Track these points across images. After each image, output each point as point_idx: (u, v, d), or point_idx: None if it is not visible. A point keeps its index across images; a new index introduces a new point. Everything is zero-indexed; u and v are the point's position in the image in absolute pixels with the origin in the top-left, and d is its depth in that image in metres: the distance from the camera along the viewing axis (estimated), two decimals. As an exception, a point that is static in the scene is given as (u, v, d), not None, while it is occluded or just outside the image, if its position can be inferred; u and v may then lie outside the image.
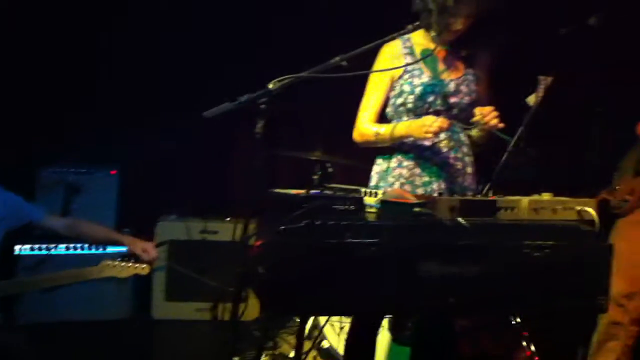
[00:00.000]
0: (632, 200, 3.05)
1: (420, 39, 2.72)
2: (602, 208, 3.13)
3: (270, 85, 2.09)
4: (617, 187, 3.15)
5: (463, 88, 2.71)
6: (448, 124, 2.57)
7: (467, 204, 2.06)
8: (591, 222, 2.15)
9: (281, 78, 2.11)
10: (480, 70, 2.77)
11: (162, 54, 4.37)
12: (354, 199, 2.05)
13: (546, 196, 2.21)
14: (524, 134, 2.69)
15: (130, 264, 2.98)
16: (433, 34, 2.65)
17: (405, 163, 2.70)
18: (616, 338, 3.06)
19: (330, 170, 3.69)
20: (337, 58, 2.21)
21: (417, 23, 2.60)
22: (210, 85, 4.25)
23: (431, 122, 2.53)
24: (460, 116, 2.71)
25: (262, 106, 2.08)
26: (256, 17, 4.40)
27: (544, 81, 2.75)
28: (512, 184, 2.64)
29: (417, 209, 2.04)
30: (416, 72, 2.67)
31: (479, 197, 2.19)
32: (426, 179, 2.68)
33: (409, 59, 2.70)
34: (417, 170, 2.68)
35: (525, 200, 2.13)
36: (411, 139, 2.65)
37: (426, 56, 2.65)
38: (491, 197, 2.19)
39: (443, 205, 2.01)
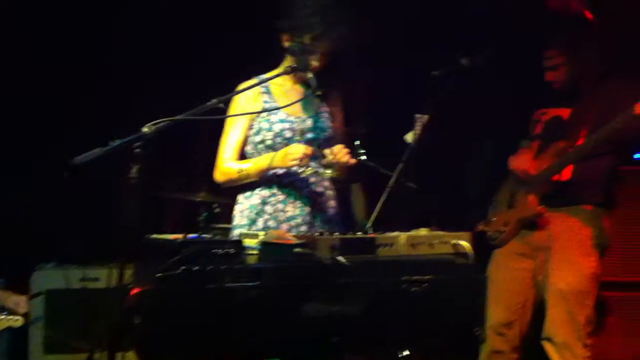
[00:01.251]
0: (507, 231, 3.19)
1: (274, 76, 2.74)
2: (479, 240, 3.28)
3: (145, 129, 2.04)
4: (492, 219, 3.28)
5: (319, 124, 2.77)
6: (312, 150, 2.62)
7: (347, 242, 2.08)
8: (465, 254, 2.22)
9: (156, 121, 2.06)
10: (334, 107, 2.84)
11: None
12: (233, 242, 2.03)
13: (423, 231, 2.28)
14: (404, 170, 2.78)
15: (2, 317, 2.81)
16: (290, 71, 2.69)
17: (269, 199, 2.71)
18: (498, 366, 3.16)
19: (217, 210, 3.64)
20: (214, 100, 2.19)
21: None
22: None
23: (295, 150, 2.58)
24: (318, 153, 2.77)
25: (137, 150, 2.03)
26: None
27: (421, 119, 2.86)
28: (396, 219, 2.70)
29: (297, 250, 2.04)
30: (274, 110, 2.71)
31: (359, 234, 2.22)
32: (290, 213, 2.70)
33: (266, 97, 2.74)
34: (281, 206, 2.70)
35: (403, 236, 2.18)
36: (277, 170, 2.67)
37: (304, 98, 2.68)
38: (371, 234, 2.23)
39: (323, 245, 2.03)
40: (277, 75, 2.65)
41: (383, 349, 2.34)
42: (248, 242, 2.11)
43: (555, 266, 3.03)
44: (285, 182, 2.71)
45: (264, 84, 2.72)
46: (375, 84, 3.80)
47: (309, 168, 2.67)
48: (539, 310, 3.13)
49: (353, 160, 2.62)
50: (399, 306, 2.12)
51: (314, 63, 2.62)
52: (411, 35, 3.78)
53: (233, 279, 1.88)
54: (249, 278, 1.91)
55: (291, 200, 2.71)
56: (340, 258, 2.01)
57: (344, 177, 2.79)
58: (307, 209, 2.71)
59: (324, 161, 2.68)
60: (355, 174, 2.91)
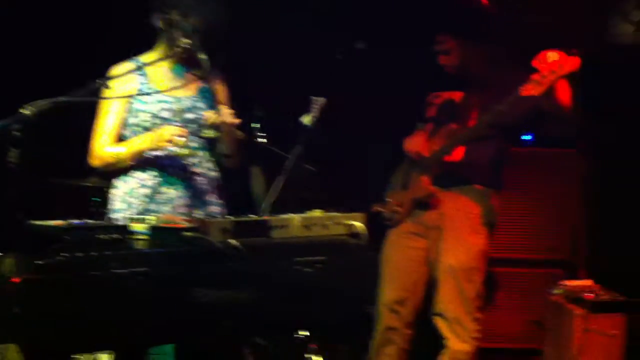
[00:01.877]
0: (401, 211, 3.26)
1: (150, 57, 2.71)
2: (376, 220, 3.34)
3: (24, 111, 1.94)
4: (388, 200, 3.35)
5: (199, 104, 2.74)
6: (186, 132, 2.60)
7: (239, 225, 2.06)
8: (359, 235, 2.26)
9: (36, 102, 1.96)
10: (216, 86, 2.81)
11: None
12: (119, 227, 1.97)
13: (317, 213, 2.29)
14: (302, 152, 2.79)
15: None
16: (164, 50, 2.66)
17: (147, 182, 2.67)
18: (392, 342, 3.21)
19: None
20: (98, 81, 2.11)
21: None
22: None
23: (166, 131, 2.56)
24: (198, 133, 2.74)
25: (16, 133, 1.93)
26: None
27: (318, 102, 2.86)
28: (294, 201, 2.71)
29: (187, 234, 2.01)
30: (151, 91, 2.66)
31: (252, 217, 2.20)
32: (168, 195, 2.67)
33: (141, 79, 2.69)
34: (159, 188, 2.67)
35: (297, 218, 2.18)
36: (153, 151, 2.63)
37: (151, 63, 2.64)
38: (264, 216, 2.22)
39: (215, 228, 2.00)
40: (158, 60, 2.60)
41: (279, 331, 2.36)
42: (136, 226, 2.05)
43: (447, 244, 3.12)
44: (163, 164, 2.67)
45: (138, 64, 2.66)
46: (272, 66, 3.78)
47: (187, 149, 2.63)
48: (431, 288, 3.22)
49: (237, 120, 2.61)
50: (293, 288, 2.13)
51: (185, 41, 2.56)
52: (308, 18, 3.78)
53: (120, 265, 1.83)
54: (137, 264, 1.86)
55: (170, 182, 2.67)
56: (232, 241, 2.00)
57: (232, 151, 2.75)
58: (185, 191, 2.68)
59: (204, 119, 2.65)
60: (251, 155, 2.90)
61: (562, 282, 3.53)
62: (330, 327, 2.48)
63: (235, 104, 2.86)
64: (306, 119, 2.81)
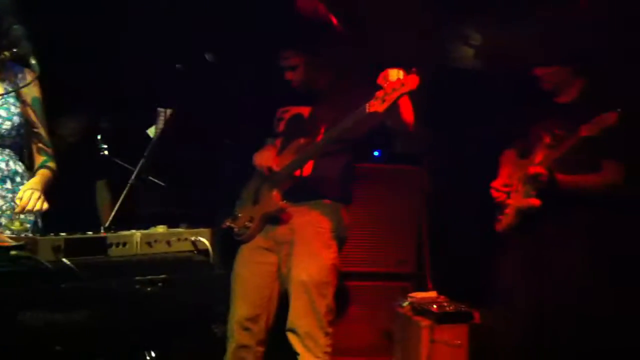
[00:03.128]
0: (252, 226, 3.22)
1: None
2: (227, 236, 3.28)
3: None
4: (239, 215, 3.30)
5: (2, 112, 2.59)
6: None
7: (73, 243, 1.93)
8: (205, 251, 2.19)
9: None
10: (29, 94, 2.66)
11: None
12: None
13: (160, 229, 2.19)
14: (148, 166, 2.68)
15: None
16: None
17: None
18: (245, 361, 3.17)
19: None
20: None
21: None
22: None
23: None
24: (5, 143, 2.59)
25: None
26: None
27: (164, 113, 2.77)
28: (138, 217, 2.59)
29: (14, 253, 1.85)
30: None
31: (88, 234, 2.07)
32: None
33: None
34: None
35: (137, 235, 2.08)
36: None
37: None
38: (102, 233, 2.09)
39: (44, 246, 1.86)
40: None
41: (120, 355, 2.22)
42: (-47, 246, 1.86)
43: (298, 259, 3.11)
44: None
45: None
46: (116, 75, 3.63)
47: None
48: (284, 303, 3.20)
49: (45, 206, 2.45)
50: (134, 308, 2.01)
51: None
52: (155, 28, 3.67)
53: None
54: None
55: None
56: (65, 260, 1.86)
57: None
58: None
59: (15, 212, 2.46)
60: (96, 168, 2.75)
61: (409, 295, 3.64)
62: (176, 348, 2.38)
63: (78, 116, 2.71)
64: (152, 131, 2.71)
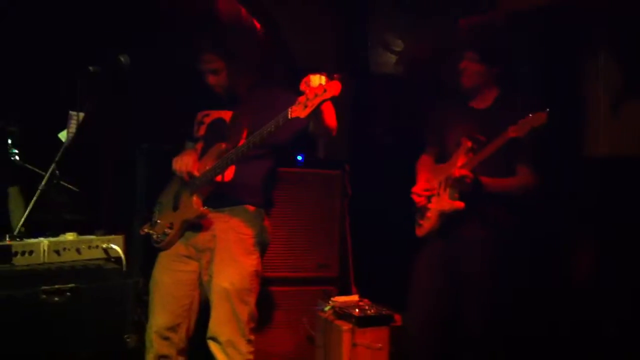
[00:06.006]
0: (171, 233, 3.15)
1: None
2: (145, 243, 3.20)
3: None
4: (158, 221, 3.22)
5: None
6: None
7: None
8: (118, 259, 2.12)
9: None
10: None
11: None
12: None
13: (70, 236, 2.12)
14: (57, 171, 2.58)
15: None
16: None
17: None
18: (166, 371, 3.10)
19: None
20: None
21: None
22: None
23: None
24: None
25: None
26: None
27: (76, 117, 2.68)
28: (49, 224, 2.48)
29: None
30: None
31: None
32: None
33: None
34: None
35: (45, 242, 2.00)
36: None
37: None
38: (7, 241, 2.00)
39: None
40: None
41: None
42: None
43: (219, 266, 3.06)
44: None
45: None
46: (26, 77, 3.49)
47: None
48: (205, 311, 3.14)
49: None
50: (40, 319, 1.93)
51: None
52: (67, 28, 3.55)
53: None
54: None
55: None
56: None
57: None
58: None
59: None
60: (7, 174, 2.64)
61: (331, 299, 3.64)
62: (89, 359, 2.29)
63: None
64: (63, 135, 2.62)
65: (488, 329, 3.17)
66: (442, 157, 3.39)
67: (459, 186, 3.14)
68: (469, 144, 3.17)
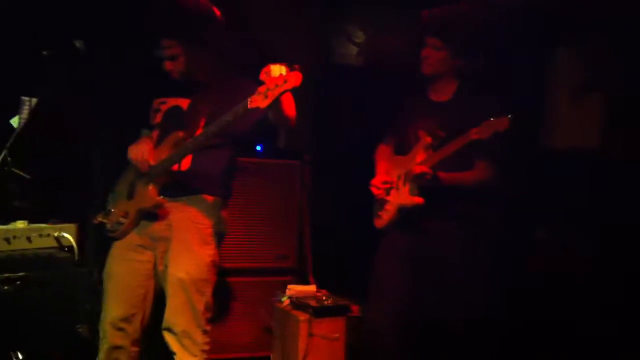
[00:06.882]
0: (126, 222, 3.09)
1: None
2: (99, 232, 3.13)
3: None
4: (112, 210, 3.15)
5: None
6: None
7: None
8: (70, 247, 2.08)
9: None
10: None
11: None
12: None
13: (20, 224, 2.07)
14: (9, 157, 2.52)
15: None
16: None
17: None
18: (119, 362, 3.05)
19: None
20: None
21: None
22: None
23: None
24: None
25: None
26: None
27: (29, 102, 2.61)
28: (1, 212, 2.42)
29: None
30: None
31: None
32: None
33: None
34: None
35: (-7, 231, 1.94)
36: None
37: None
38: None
39: None
40: None
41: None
42: None
43: (175, 256, 3.02)
44: None
45: None
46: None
47: None
48: (160, 301, 3.10)
49: None
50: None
51: None
52: (16, 12, 3.44)
53: None
54: None
55: None
56: None
57: None
58: None
59: None
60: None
61: (288, 289, 3.64)
62: (42, 349, 2.24)
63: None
64: (15, 121, 2.55)
65: (463, 326, 3.17)
66: (401, 148, 3.40)
67: (418, 181, 3.16)
68: (429, 140, 3.18)
